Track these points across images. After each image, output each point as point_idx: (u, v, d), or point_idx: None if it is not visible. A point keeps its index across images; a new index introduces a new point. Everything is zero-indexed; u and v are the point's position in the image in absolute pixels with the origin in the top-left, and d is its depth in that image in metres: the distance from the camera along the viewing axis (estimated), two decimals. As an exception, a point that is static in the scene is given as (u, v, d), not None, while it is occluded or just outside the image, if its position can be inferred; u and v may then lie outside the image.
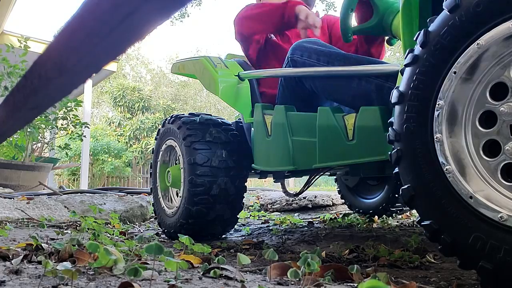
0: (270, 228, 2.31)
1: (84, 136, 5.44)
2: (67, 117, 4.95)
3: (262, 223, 2.57)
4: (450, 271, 1.23)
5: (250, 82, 2.04)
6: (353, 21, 1.69)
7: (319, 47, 1.65)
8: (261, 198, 3.29)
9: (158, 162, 2.25)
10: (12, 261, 1.07)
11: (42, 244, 1.27)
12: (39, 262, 1.09)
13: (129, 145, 15.89)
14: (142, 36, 0.37)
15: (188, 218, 1.92)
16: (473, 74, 0.91)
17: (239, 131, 2.07)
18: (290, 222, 2.46)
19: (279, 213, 3.01)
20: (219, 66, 2.05)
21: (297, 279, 0.88)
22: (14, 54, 4.55)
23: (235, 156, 1.95)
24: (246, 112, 1.99)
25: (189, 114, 2.10)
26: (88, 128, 5.72)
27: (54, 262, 1.02)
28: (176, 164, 2.17)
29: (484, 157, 0.90)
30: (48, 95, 0.47)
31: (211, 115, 2.11)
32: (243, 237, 2.09)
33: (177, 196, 2.19)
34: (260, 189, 4.34)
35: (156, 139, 2.28)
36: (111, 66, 7.38)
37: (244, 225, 2.52)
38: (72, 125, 5.02)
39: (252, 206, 3.29)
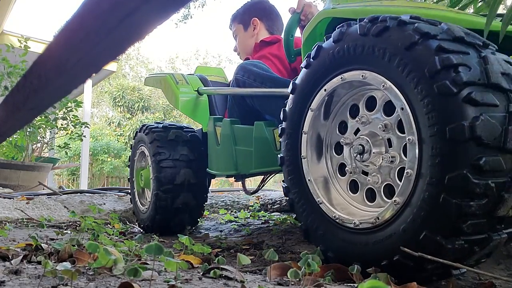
0: (270, 228, 2.31)
1: (84, 136, 5.44)
2: (67, 117, 4.94)
3: (262, 223, 2.57)
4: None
5: (209, 96, 2.30)
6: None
7: (257, 69, 1.95)
8: (261, 198, 3.28)
9: (135, 164, 2.51)
10: (12, 261, 1.07)
11: (42, 244, 1.27)
12: (39, 262, 1.08)
13: (128, 145, 15.87)
14: (142, 36, 0.37)
15: (156, 208, 2.18)
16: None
17: (204, 138, 2.29)
18: (290, 222, 2.45)
19: (279, 213, 3.01)
20: (181, 83, 2.31)
21: (297, 279, 0.88)
22: (14, 54, 4.55)
23: (195, 152, 2.22)
24: (204, 123, 2.26)
25: (155, 122, 2.34)
26: (88, 128, 5.72)
27: (54, 262, 1.01)
28: (148, 167, 2.37)
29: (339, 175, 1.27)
30: (48, 95, 0.47)
31: (175, 123, 2.35)
32: (243, 237, 2.09)
33: (149, 197, 2.41)
34: (260, 189, 4.32)
35: (131, 149, 2.54)
36: (111, 66, 7.38)
37: (244, 225, 2.51)
38: (72, 125, 5.01)
39: (252, 206, 3.29)
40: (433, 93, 0.93)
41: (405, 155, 1.05)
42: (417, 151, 0.97)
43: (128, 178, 2.63)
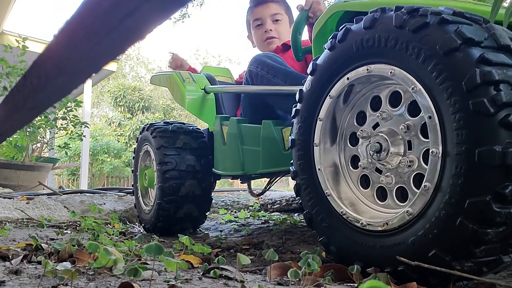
0: (270, 228, 2.31)
1: (84, 136, 5.44)
2: (67, 117, 4.94)
3: (262, 223, 2.57)
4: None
5: (215, 94, 2.26)
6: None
7: (271, 62, 1.92)
8: (261, 198, 3.28)
9: (138, 165, 2.47)
10: (12, 261, 1.07)
11: (42, 244, 1.27)
12: (39, 262, 1.08)
13: (129, 145, 15.88)
14: (142, 36, 0.37)
15: (159, 216, 2.14)
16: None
17: (210, 138, 2.25)
18: (290, 222, 2.45)
19: (279, 213, 3.00)
20: (188, 81, 2.28)
21: (297, 279, 0.88)
22: (13, 54, 4.54)
23: (202, 161, 2.16)
24: (211, 122, 2.22)
25: (164, 122, 2.31)
26: (88, 128, 5.72)
27: (54, 262, 1.01)
28: (152, 167, 2.34)
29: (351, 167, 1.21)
30: (48, 95, 0.47)
31: (184, 123, 2.33)
32: (243, 237, 2.09)
33: (153, 196, 2.38)
34: (260, 189, 4.32)
35: (136, 143, 2.50)
36: (111, 66, 7.37)
37: (244, 225, 2.51)
38: (71, 125, 5.01)
39: (252, 206, 3.29)
40: (468, 110, 0.86)
41: (424, 161, 1.00)
42: (439, 165, 0.92)
43: (131, 173, 2.58)
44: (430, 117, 0.94)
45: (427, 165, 0.96)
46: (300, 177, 1.24)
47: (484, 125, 0.85)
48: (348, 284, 0.99)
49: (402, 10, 1.01)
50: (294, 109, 1.28)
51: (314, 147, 1.21)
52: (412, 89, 0.98)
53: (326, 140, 1.21)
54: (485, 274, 0.96)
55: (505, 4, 1.12)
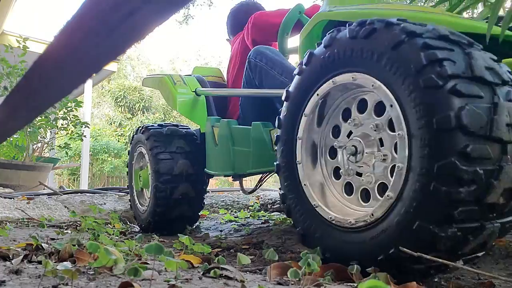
0: (270, 228, 2.31)
1: (84, 136, 5.44)
2: (67, 117, 4.94)
3: (262, 223, 2.57)
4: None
5: (206, 97, 2.32)
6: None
7: (271, 53, 2.00)
8: (261, 198, 3.28)
9: (133, 165, 2.53)
10: (12, 261, 1.07)
11: (42, 244, 1.27)
12: (39, 262, 1.09)
13: (129, 145, 15.87)
14: (142, 36, 0.37)
15: (154, 217, 2.24)
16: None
17: (202, 138, 2.31)
18: (290, 222, 2.45)
19: (279, 213, 3.01)
20: (179, 84, 2.34)
21: (297, 279, 0.88)
22: (13, 54, 4.55)
23: (195, 163, 2.25)
24: (202, 124, 2.29)
25: (158, 125, 2.38)
26: (89, 128, 5.72)
27: (54, 262, 1.02)
28: (146, 167, 2.40)
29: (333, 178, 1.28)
30: (48, 95, 0.47)
31: (178, 125, 2.39)
32: (243, 237, 2.09)
33: (148, 197, 2.44)
34: (260, 189, 4.31)
35: (130, 145, 2.57)
36: (111, 66, 7.37)
37: (244, 225, 2.52)
38: (72, 125, 5.02)
39: (252, 206, 3.29)
40: (420, 87, 0.96)
41: (397, 153, 1.06)
42: (406, 145, 0.99)
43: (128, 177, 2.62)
44: (391, 106, 1.04)
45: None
46: (289, 197, 1.32)
47: (436, 97, 0.94)
48: (348, 284, 0.99)
49: (354, 24, 1.13)
50: (275, 136, 1.37)
51: (298, 165, 1.29)
52: (373, 86, 1.09)
53: (307, 157, 1.31)
54: (472, 243, 0.98)
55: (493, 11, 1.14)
